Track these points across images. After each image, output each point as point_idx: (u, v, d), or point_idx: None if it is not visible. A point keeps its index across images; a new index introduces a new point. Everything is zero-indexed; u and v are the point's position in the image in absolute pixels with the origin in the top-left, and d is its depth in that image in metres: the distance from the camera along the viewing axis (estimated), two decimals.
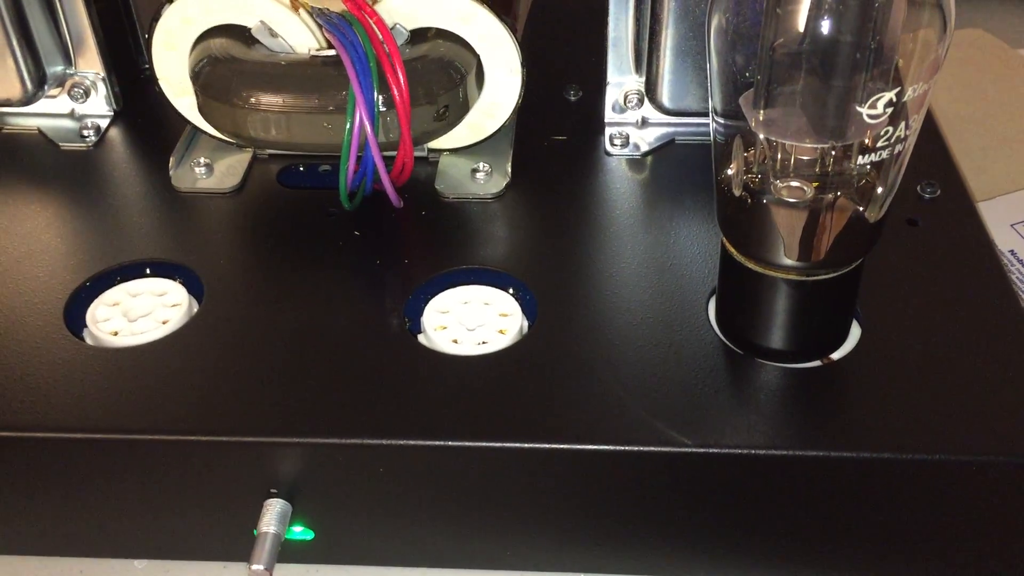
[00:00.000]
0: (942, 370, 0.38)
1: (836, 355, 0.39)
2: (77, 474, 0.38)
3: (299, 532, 0.39)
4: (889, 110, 0.32)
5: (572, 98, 0.54)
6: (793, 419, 0.37)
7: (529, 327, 0.41)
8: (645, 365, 0.39)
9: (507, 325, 0.41)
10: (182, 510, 0.39)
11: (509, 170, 0.49)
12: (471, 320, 0.41)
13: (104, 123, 0.53)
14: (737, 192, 0.36)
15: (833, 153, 0.34)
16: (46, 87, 0.52)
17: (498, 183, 0.48)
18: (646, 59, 0.49)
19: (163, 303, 0.42)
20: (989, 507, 0.37)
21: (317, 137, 0.44)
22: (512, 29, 0.46)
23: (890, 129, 0.33)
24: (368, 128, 0.42)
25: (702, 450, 0.36)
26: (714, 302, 0.41)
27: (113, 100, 0.53)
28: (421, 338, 0.41)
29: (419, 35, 0.46)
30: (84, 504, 0.39)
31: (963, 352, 0.39)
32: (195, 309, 0.42)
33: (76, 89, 0.53)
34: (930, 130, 0.50)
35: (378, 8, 0.44)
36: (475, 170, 0.48)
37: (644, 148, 0.50)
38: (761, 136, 0.35)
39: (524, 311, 0.42)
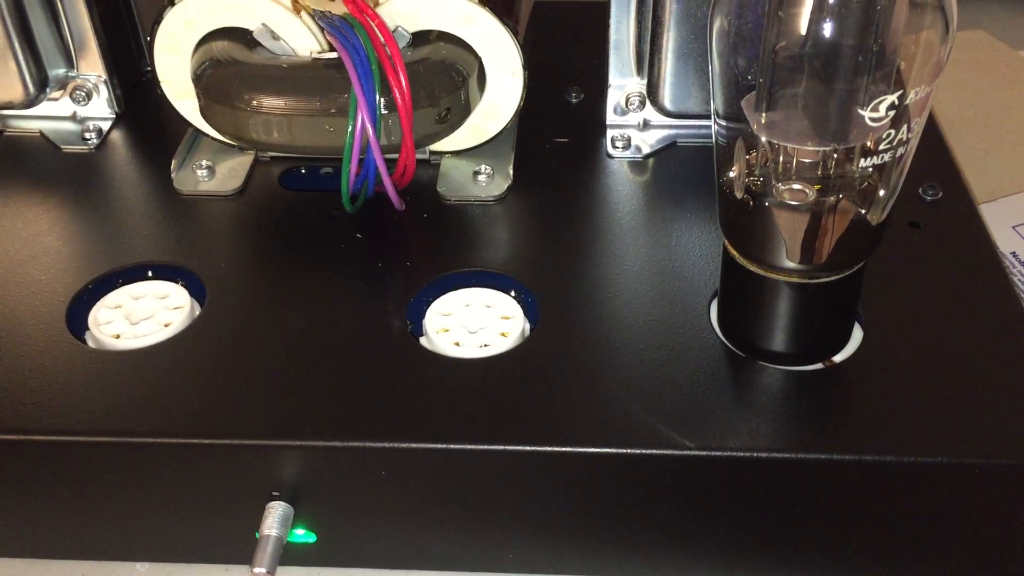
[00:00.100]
0: (944, 372, 0.38)
1: (838, 358, 0.39)
2: (79, 477, 0.38)
3: (301, 535, 0.39)
4: (891, 113, 0.32)
5: (574, 100, 0.54)
6: (795, 422, 0.37)
7: (531, 330, 0.41)
8: (647, 367, 0.39)
9: (509, 328, 0.41)
10: (184, 513, 0.39)
11: (511, 172, 0.49)
12: (473, 323, 0.41)
13: (106, 126, 0.53)
14: (739, 195, 0.36)
15: (835, 156, 0.34)
16: (48, 90, 0.52)
17: (500, 185, 0.48)
18: (648, 61, 0.49)
19: (165, 306, 0.42)
20: (991, 510, 0.37)
21: (319, 140, 0.44)
22: (514, 31, 0.46)
23: (892, 132, 0.33)
24: (370, 131, 0.42)
25: (704, 453, 0.36)
26: (716, 304, 0.41)
27: (115, 103, 0.53)
28: (423, 341, 0.41)
29: (421, 37, 0.46)
30: (86, 507, 0.39)
31: (965, 354, 0.39)
32: (197, 312, 0.42)
33: (78, 92, 0.53)
34: (931, 132, 0.50)
35: (380, 11, 0.45)
36: (477, 172, 0.48)
37: (646, 150, 0.50)
38: (763, 139, 0.35)
39: (526, 313, 0.42)
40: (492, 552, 0.40)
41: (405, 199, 0.47)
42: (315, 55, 0.45)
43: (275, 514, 0.38)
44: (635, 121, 0.51)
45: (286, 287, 0.43)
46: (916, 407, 0.37)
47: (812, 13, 0.32)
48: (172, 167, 0.49)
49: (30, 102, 0.52)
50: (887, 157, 0.34)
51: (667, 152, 0.50)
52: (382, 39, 0.43)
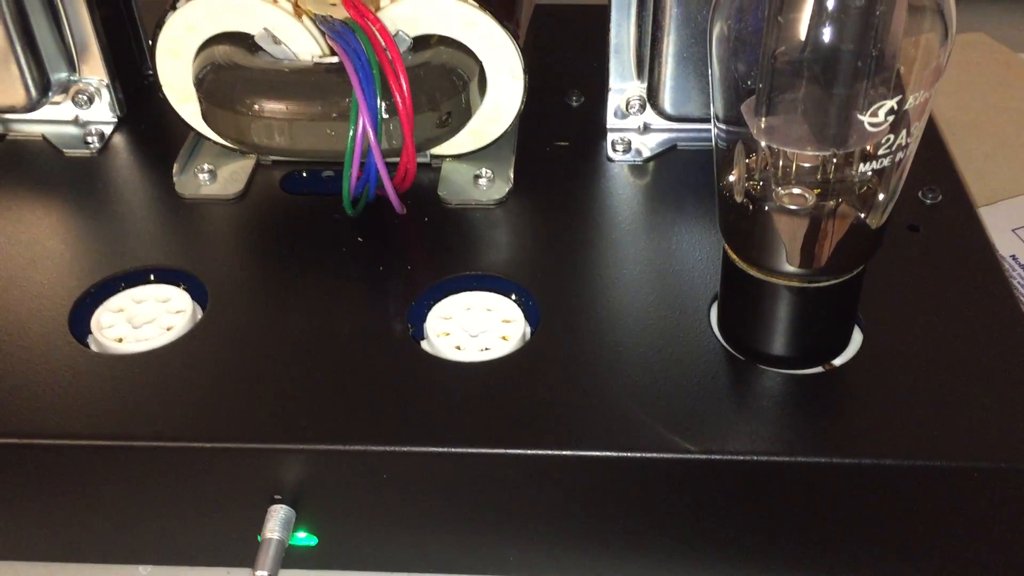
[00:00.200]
0: (943, 376, 0.38)
1: (838, 361, 0.40)
2: (82, 480, 0.38)
3: (303, 538, 0.40)
4: (890, 118, 0.33)
5: (574, 104, 0.54)
6: (795, 425, 0.37)
7: (532, 333, 0.41)
8: (647, 371, 0.39)
9: (510, 331, 0.41)
10: (186, 516, 0.39)
11: (511, 176, 0.49)
12: (474, 326, 0.41)
13: (108, 130, 0.53)
14: (739, 199, 0.36)
15: (834, 160, 0.35)
16: (50, 94, 0.52)
17: (500, 189, 0.48)
18: (648, 65, 0.49)
19: (167, 309, 0.42)
20: (991, 513, 0.37)
21: (320, 144, 0.44)
22: (514, 35, 0.46)
23: (891, 137, 0.33)
24: (371, 135, 0.42)
25: (705, 456, 0.36)
26: (716, 308, 0.41)
27: (117, 107, 0.53)
28: (424, 344, 0.41)
29: (422, 42, 0.46)
30: (89, 510, 0.40)
31: (964, 357, 0.39)
32: (199, 315, 0.42)
33: (80, 96, 0.53)
34: (931, 135, 0.50)
35: (381, 15, 0.45)
36: (477, 176, 0.49)
37: (646, 154, 0.50)
38: (763, 143, 0.35)
39: (527, 317, 0.42)
40: (493, 555, 0.40)
41: (406, 203, 0.47)
42: (316, 59, 0.46)
43: (277, 517, 0.38)
44: (635, 125, 0.51)
45: (287, 291, 0.43)
46: (916, 410, 0.37)
47: (812, 18, 0.32)
48: (174, 171, 0.49)
49: (32, 106, 0.52)
50: (886, 162, 0.34)
51: (667, 156, 0.50)
52: (383, 43, 0.43)
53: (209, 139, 0.49)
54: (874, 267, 0.38)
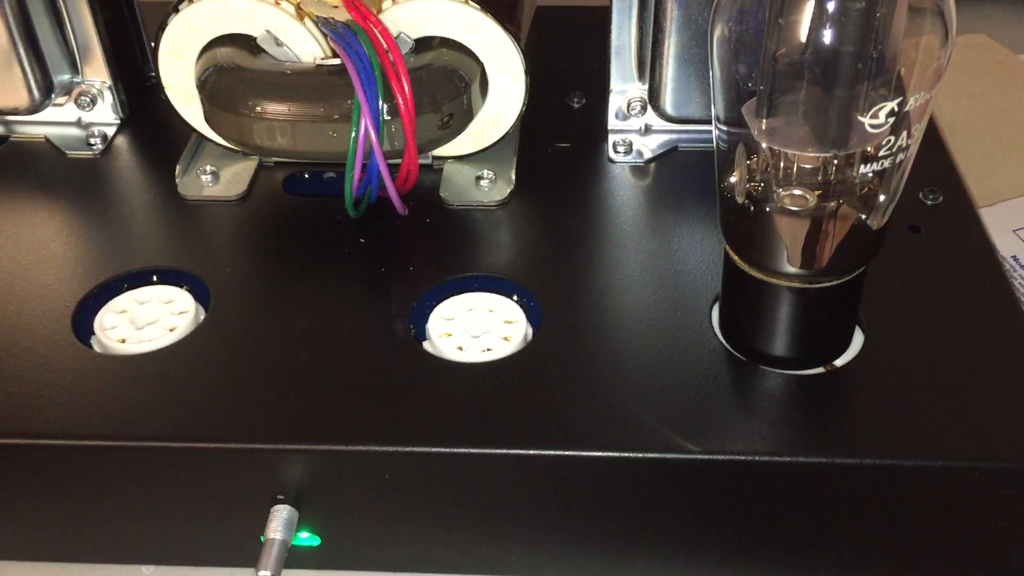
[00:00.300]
0: (945, 376, 0.38)
1: (839, 362, 0.40)
2: (85, 481, 0.39)
3: (306, 538, 0.40)
4: (891, 120, 0.33)
5: (575, 105, 0.55)
6: (797, 425, 0.37)
7: (534, 334, 0.41)
8: (649, 372, 0.39)
9: (512, 332, 0.41)
10: (189, 516, 0.40)
11: (513, 177, 0.49)
12: (476, 327, 0.42)
13: (111, 131, 0.53)
14: (740, 200, 0.36)
15: (835, 162, 0.35)
16: (53, 95, 0.52)
17: (502, 190, 0.48)
18: (649, 67, 0.49)
19: (170, 310, 0.43)
20: (991, 513, 0.37)
21: (322, 145, 0.44)
22: (516, 37, 0.46)
23: (892, 138, 0.33)
24: (373, 136, 0.42)
25: (706, 456, 0.36)
26: (717, 309, 0.41)
27: (119, 108, 0.54)
28: (426, 345, 0.41)
29: (423, 44, 0.46)
30: (92, 510, 0.40)
31: (965, 358, 0.39)
32: (202, 316, 0.42)
33: (83, 97, 0.53)
34: (932, 136, 0.50)
35: (383, 17, 0.45)
36: (479, 177, 0.49)
37: (647, 155, 0.51)
38: (763, 145, 0.35)
39: (529, 318, 0.42)
40: (496, 555, 0.40)
41: (408, 204, 0.47)
42: (319, 61, 0.46)
43: (280, 518, 0.38)
44: (636, 126, 0.51)
45: (290, 292, 0.43)
46: (917, 411, 0.37)
47: (812, 20, 0.32)
48: (176, 172, 0.49)
49: (35, 108, 0.52)
50: (887, 163, 0.34)
51: (668, 157, 0.51)
52: (385, 45, 0.43)
53: (211, 141, 0.49)
54: (875, 268, 0.38)
